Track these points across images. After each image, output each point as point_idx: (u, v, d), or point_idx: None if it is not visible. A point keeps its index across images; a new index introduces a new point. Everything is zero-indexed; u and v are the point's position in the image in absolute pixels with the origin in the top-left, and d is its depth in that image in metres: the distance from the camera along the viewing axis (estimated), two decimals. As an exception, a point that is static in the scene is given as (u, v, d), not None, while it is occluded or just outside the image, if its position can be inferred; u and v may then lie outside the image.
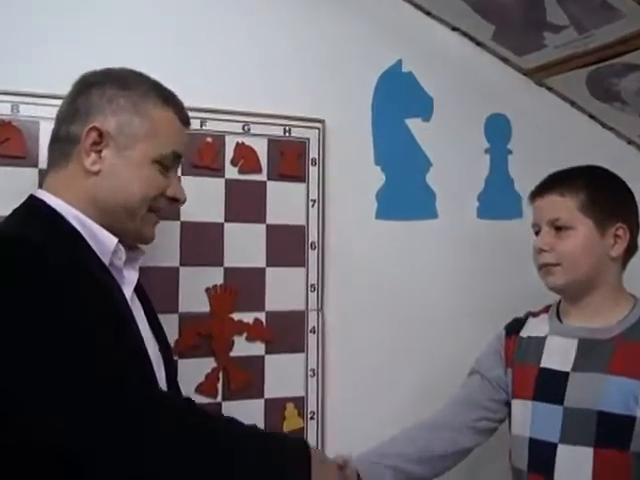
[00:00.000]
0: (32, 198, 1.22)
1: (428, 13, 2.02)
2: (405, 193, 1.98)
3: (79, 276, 1.09)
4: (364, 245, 1.91)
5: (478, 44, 2.07)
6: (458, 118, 2.05)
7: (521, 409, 1.50)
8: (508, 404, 1.58)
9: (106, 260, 1.20)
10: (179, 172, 1.50)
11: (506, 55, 2.08)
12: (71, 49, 1.61)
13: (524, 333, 1.59)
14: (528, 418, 1.48)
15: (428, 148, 2.00)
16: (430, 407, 1.64)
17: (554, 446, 1.42)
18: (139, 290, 1.32)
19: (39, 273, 1.02)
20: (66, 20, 1.63)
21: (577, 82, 2.01)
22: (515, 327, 1.62)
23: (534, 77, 2.12)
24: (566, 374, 1.44)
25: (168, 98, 1.28)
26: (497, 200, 2.06)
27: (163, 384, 1.28)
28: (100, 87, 1.23)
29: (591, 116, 2.17)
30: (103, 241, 1.20)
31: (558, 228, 1.47)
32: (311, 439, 1.84)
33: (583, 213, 1.45)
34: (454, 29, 2.05)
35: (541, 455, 1.45)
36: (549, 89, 2.15)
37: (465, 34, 2.06)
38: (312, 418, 1.86)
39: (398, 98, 1.97)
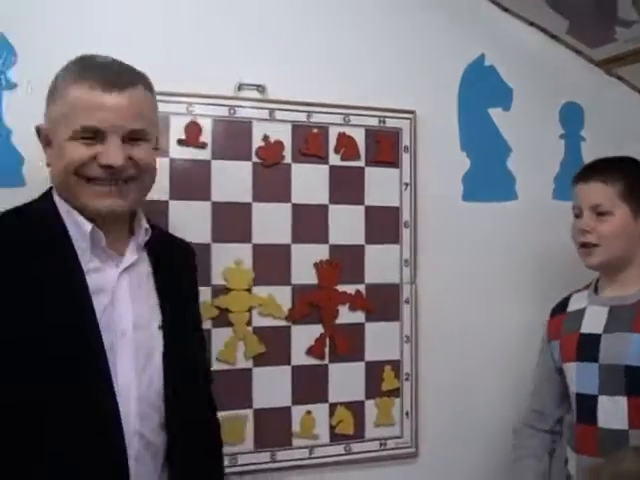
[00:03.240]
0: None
1: (506, 10, 2.19)
2: (488, 177, 2.16)
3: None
4: (452, 224, 2.10)
5: (553, 37, 2.24)
6: (535, 107, 2.22)
7: (569, 370, 1.72)
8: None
9: (85, 243, 1.30)
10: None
11: (579, 47, 2.25)
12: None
13: (570, 308, 1.79)
14: (574, 376, 1.69)
15: (508, 135, 2.18)
16: (511, 358, 1.94)
17: (595, 397, 1.63)
18: (157, 268, 1.41)
19: None
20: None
21: (646, 72, 2.18)
22: (560, 307, 1.83)
23: (605, 68, 2.28)
24: (599, 336, 1.64)
25: (82, 73, 1.27)
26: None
27: (158, 359, 1.36)
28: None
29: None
30: (80, 226, 1.30)
31: (599, 213, 1.65)
32: (406, 398, 2.04)
33: (621, 200, 1.64)
34: (531, 24, 2.22)
35: (586, 406, 1.66)
36: (619, 79, 2.30)
37: (541, 29, 2.22)
38: (407, 379, 2.06)
39: (481, 90, 2.16)
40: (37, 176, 1.73)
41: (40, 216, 1.32)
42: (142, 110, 1.32)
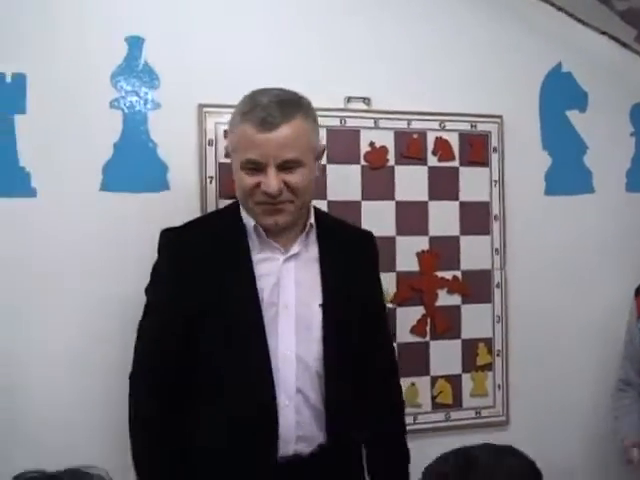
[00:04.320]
0: None
1: (580, 20, 2.42)
2: (567, 173, 2.40)
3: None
4: (537, 216, 2.35)
5: (623, 45, 2.45)
6: (608, 108, 2.45)
7: None
8: None
9: (251, 237, 1.63)
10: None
11: (647, 53, 2.46)
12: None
13: None
14: None
15: (584, 134, 2.42)
16: (594, 336, 2.25)
17: None
18: (323, 257, 1.67)
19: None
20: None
21: None
22: None
23: (672, 71, 2.49)
24: None
25: (246, 113, 1.54)
26: (641, 176, 2.48)
27: (318, 334, 1.63)
28: None
29: None
30: (247, 223, 1.65)
31: None
32: (498, 372, 2.30)
33: None
34: (603, 33, 2.44)
35: None
36: (685, 80, 2.52)
37: (612, 37, 2.44)
38: (498, 355, 2.32)
39: (559, 94, 2.40)
40: (179, 182, 2.04)
41: (225, 219, 1.70)
42: (295, 141, 1.55)
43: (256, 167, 1.54)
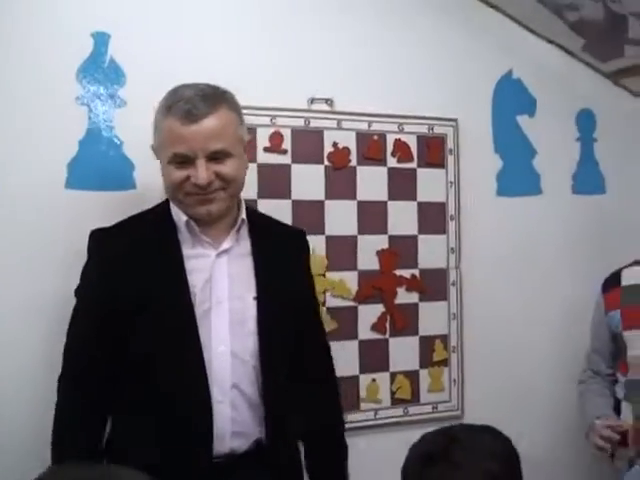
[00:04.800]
0: None
1: (531, 30, 2.52)
2: (516, 175, 2.50)
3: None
4: (490, 216, 2.44)
5: (570, 53, 2.58)
6: (555, 114, 2.56)
7: (633, 337, 2.04)
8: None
9: (187, 235, 1.62)
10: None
11: (592, 62, 2.59)
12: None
13: (625, 283, 2.12)
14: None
15: (533, 138, 2.53)
16: (547, 332, 2.36)
17: None
18: (256, 250, 1.68)
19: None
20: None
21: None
22: (613, 281, 2.15)
23: (614, 79, 2.63)
24: None
25: (170, 107, 1.54)
26: (586, 179, 2.59)
27: (252, 328, 1.63)
28: None
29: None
30: (178, 219, 1.63)
31: None
32: (453, 367, 2.38)
33: None
34: (550, 42, 2.55)
35: None
36: (625, 88, 2.65)
37: (560, 46, 2.56)
38: (454, 351, 2.39)
39: (510, 99, 2.49)
40: (146, 180, 2.03)
41: (155, 218, 1.68)
42: (222, 131, 1.55)
43: (184, 160, 1.54)
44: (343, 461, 1.82)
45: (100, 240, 1.65)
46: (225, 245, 1.64)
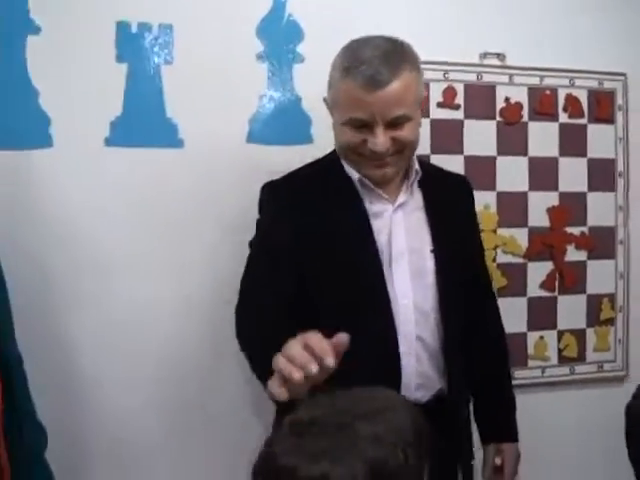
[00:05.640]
0: None
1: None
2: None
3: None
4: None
5: None
6: None
7: None
8: None
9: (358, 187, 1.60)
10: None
11: None
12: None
13: None
14: None
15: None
16: None
17: None
18: (429, 202, 1.66)
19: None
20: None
21: None
22: None
23: None
24: None
25: (349, 69, 1.45)
26: None
27: (431, 281, 1.62)
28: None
29: None
30: (351, 174, 1.60)
31: None
32: (619, 327, 2.34)
33: None
34: None
35: None
36: None
37: None
38: (620, 311, 2.36)
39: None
40: (323, 135, 2.04)
41: (326, 170, 1.65)
42: (404, 96, 1.47)
43: (362, 125, 1.49)
44: (512, 413, 1.82)
45: (276, 191, 1.64)
46: (400, 199, 1.63)
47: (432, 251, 1.64)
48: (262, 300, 1.49)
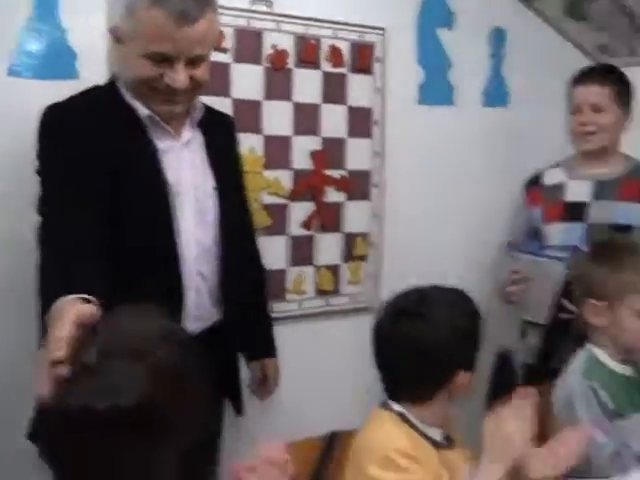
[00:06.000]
0: None
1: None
2: (435, 85, 2.66)
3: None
4: (412, 123, 2.60)
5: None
6: (472, 29, 2.72)
7: (552, 229, 2.31)
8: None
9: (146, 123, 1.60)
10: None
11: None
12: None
13: (547, 182, 2.37)
14: (558, 234, 2.29)
15: (450, 51, 2.68)
16: (471, 231, 2.55)
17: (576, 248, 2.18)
18: (209, 145, 1.72)
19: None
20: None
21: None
22: (534, 181, 2.41)
23: (527, 2, 2.81)
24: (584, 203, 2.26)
25: (158, 0, 1.44)
26: (493, 92, 2.80)
27: (212, 217, 1.70)
28: None
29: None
30: (137, 109, 1.59)
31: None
32: (372, 263, 2.57)
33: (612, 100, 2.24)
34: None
35: None
36: (536, 10, 2.84)
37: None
38: (373, 248, 2.58)
39: (432, 12, 2.61)
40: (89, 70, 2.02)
41: (109, 101, 1.62)
42: (207, 36, 1.53)
43: (162, 59, 1.50)
44: (270, 330, 2.02)
45: (61, 113, 1.58)
46: (186, 136, 1.68)
47: (215, 188, 1.71)
48: (69, 243, 1.47)
